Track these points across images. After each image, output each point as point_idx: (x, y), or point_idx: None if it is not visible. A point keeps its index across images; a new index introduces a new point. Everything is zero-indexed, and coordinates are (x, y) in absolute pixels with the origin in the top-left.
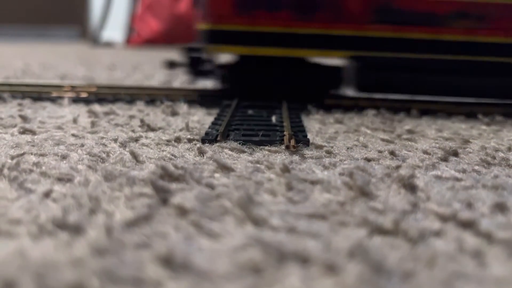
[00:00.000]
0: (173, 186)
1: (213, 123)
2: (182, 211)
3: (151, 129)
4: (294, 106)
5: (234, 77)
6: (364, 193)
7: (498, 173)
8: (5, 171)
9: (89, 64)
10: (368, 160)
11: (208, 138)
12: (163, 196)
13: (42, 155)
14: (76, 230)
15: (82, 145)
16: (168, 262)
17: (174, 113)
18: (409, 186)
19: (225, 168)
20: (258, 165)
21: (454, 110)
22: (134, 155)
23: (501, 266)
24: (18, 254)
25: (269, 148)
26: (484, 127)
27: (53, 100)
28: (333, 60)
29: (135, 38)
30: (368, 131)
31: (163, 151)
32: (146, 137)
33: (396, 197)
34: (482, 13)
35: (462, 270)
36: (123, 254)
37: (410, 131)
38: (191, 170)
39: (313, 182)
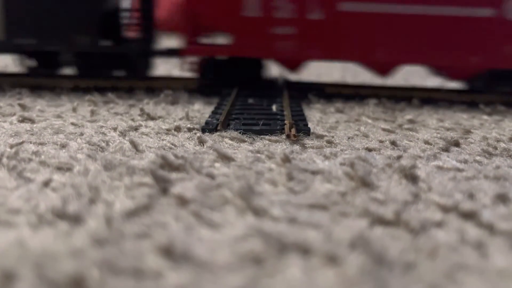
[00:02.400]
0: (173, 175)
1: (213, 112)
2: (182, 201)
3: (150, 118)
4: (295, 95)
5: None
6: (365, 183)
7: (499, 164)
8: (4, 160)
9: None
10: (369, 150)
11: (208, 127)
12: (163, 186)
13: (41, 144)
14: (76, 220)
15: (82, 134)
16: (169, 252)
17: (174, 102)
18: (411, 177)
19: (225, 158)
20: (259, 155)
21: (455, 98)
22: (134, 144)
23: (503, 257)
24: (18, 244)
25: (270, 137)
26: (485, 117)
27: (52, 88)
28: None
29: None
30: (369, 121)
31: (163, 140)
32: (146, 126)
33: (397, 188)
34: None
35: (464, 262)
36: (123, 245)
37: (411, 121)
38: (191, 159)
39: (314, 172)
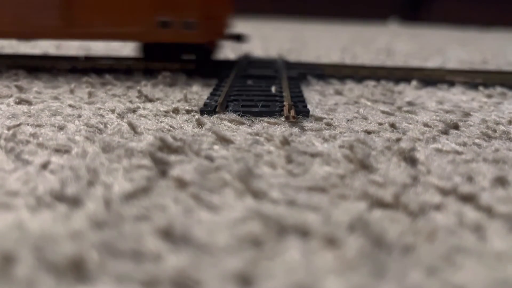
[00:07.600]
0: (172, 158)
1: (212, 94)
2: (181, 183)
3: (148, 100)
4: (294, 76)
5: None
6: (364, 166)
7: (498, 147)
8: (2, 142)
9: None
10: (368, 132)
11: (207, 109)
12: (162, 168)
13: (39, 125)
14: (75, 202)
15: (79, 116)
16: (168, 234)
17: (171, 84)
18: (410, 159)
19: (224, 140)
20: (258, 137)
21: (455, 78)
22: (132, 126)
23: (502, 240)
24: (16, 226)
25: (269, 119)
26: (485, 99)
27: (49, 70)
28: None
29: None
30: (368, 103)
31: (161, 122)
32: (144, 108)
33: (396, 170)
34: None
35: (462, 244)
36: (122, 227)
37: (410, 103)
38: (190, 141)
39: (313, 155)
